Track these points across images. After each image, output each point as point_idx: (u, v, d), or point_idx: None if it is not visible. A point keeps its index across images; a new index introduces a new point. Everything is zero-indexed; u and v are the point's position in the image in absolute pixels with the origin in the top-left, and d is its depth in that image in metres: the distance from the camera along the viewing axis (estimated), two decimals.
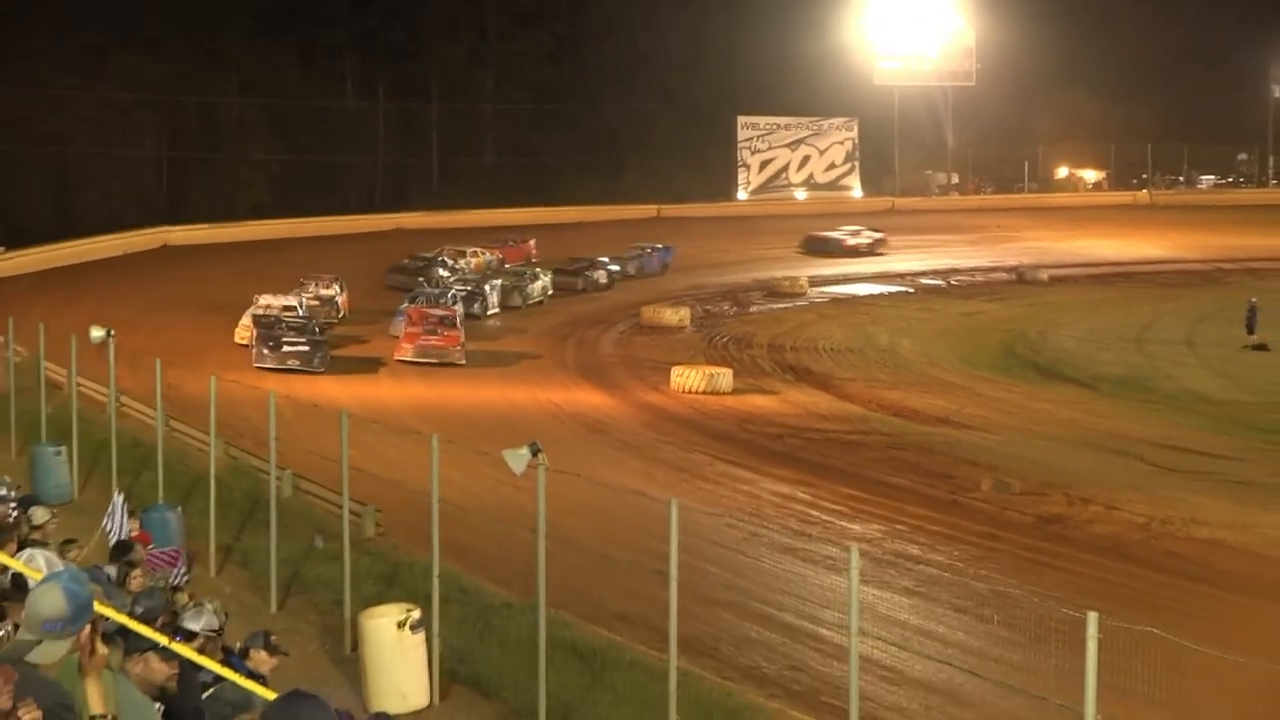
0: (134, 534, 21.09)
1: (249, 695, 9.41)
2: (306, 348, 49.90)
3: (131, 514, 21.74)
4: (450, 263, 71.89)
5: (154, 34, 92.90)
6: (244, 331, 53.25)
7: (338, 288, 62.87)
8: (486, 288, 65.38)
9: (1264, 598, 26.31)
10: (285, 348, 49.85)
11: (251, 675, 11.18)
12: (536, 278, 69.17)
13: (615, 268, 74.49)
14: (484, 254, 75.37)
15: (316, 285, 62.68)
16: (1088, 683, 12.70)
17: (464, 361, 51.63)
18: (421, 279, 67.21)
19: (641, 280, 74.87)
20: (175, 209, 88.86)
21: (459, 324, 54.02)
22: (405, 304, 57.61)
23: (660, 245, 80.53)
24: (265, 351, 49.83)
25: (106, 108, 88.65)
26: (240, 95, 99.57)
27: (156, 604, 12.10)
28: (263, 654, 12.85)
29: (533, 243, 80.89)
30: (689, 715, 17.35)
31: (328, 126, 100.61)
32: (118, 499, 22.32)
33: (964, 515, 32.80)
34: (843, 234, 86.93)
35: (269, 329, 51.49)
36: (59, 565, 9.47)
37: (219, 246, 77.61)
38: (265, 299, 55.85)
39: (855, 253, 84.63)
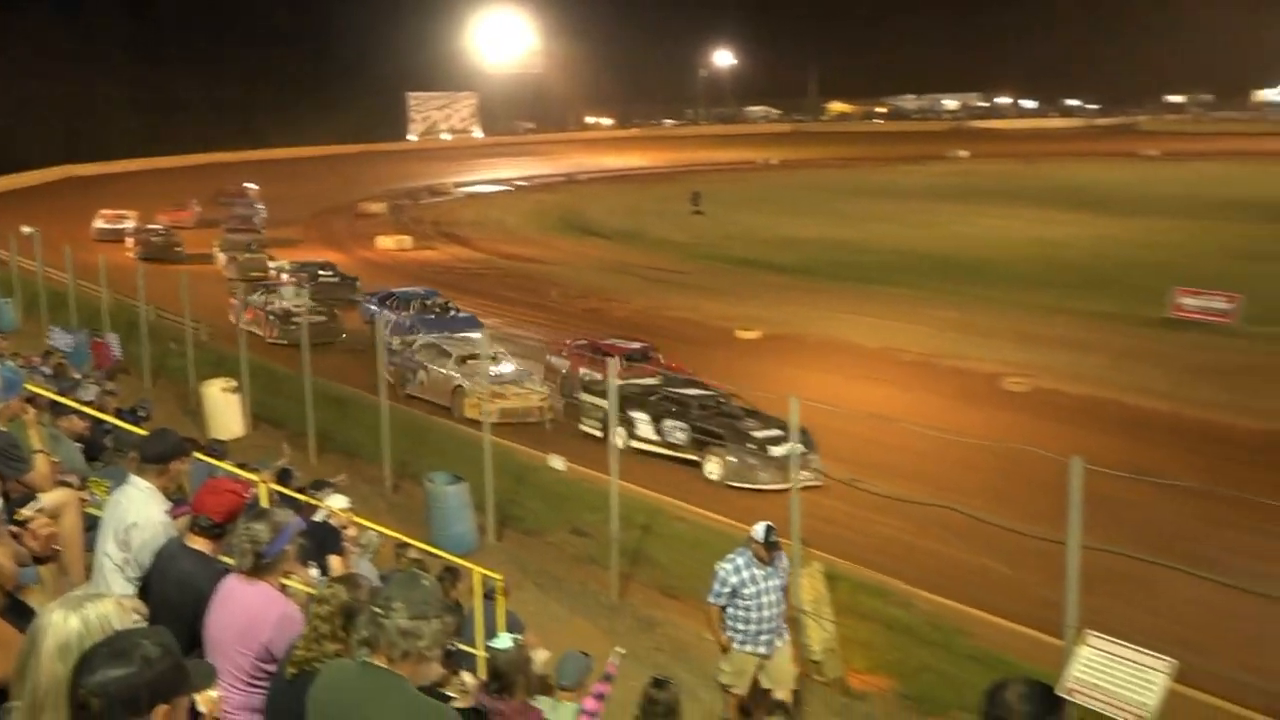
0: (98, 342, 20.18)
1: (132, 434, 9.04)
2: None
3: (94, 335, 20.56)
4: (160, 227, 45.11)
5: (57, 49, 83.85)
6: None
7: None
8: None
9: (709, 346, 27.33)
10: (678, 435, 17.95)
11: (135, 422, 10.71)
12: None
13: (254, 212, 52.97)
14: (131, 215, 48.19)
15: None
16: (610, 390, 13.09)
17: None
18: (143, 249, 41.36)
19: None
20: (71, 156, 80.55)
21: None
22: (380, 308, 27.14)
23: (252, 199, 57.66)
24: (657, 435, 18.27)
25: (30, 99, 79.36)
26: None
27: (68, 385, 11.48)
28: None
29: (195, 205, 54.11)
30: (395, 427, 17.23)
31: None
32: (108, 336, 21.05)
33: (545, 310, 32.93)
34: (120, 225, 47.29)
35: (648, 403, 18.55)
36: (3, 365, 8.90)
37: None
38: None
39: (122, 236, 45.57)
